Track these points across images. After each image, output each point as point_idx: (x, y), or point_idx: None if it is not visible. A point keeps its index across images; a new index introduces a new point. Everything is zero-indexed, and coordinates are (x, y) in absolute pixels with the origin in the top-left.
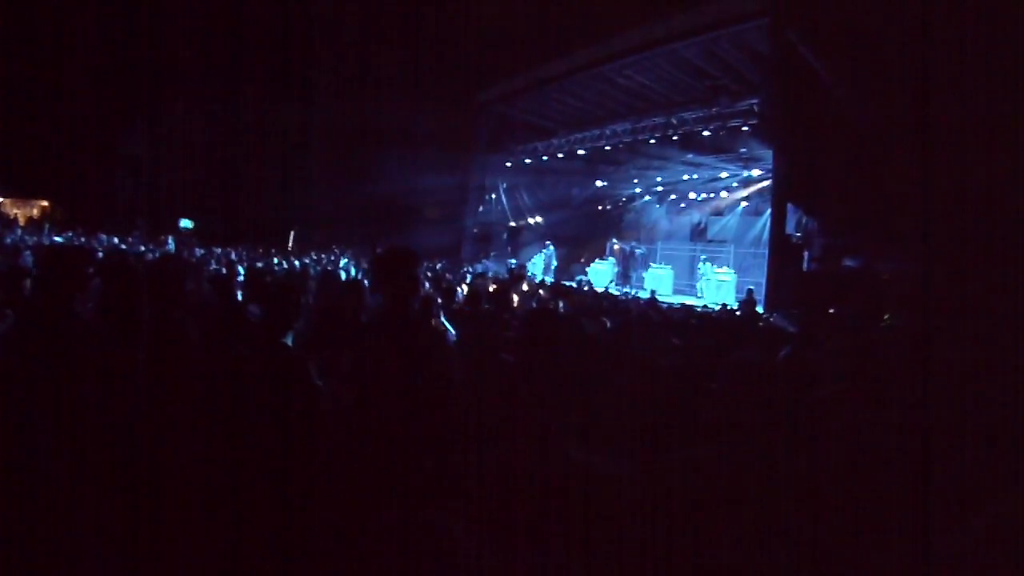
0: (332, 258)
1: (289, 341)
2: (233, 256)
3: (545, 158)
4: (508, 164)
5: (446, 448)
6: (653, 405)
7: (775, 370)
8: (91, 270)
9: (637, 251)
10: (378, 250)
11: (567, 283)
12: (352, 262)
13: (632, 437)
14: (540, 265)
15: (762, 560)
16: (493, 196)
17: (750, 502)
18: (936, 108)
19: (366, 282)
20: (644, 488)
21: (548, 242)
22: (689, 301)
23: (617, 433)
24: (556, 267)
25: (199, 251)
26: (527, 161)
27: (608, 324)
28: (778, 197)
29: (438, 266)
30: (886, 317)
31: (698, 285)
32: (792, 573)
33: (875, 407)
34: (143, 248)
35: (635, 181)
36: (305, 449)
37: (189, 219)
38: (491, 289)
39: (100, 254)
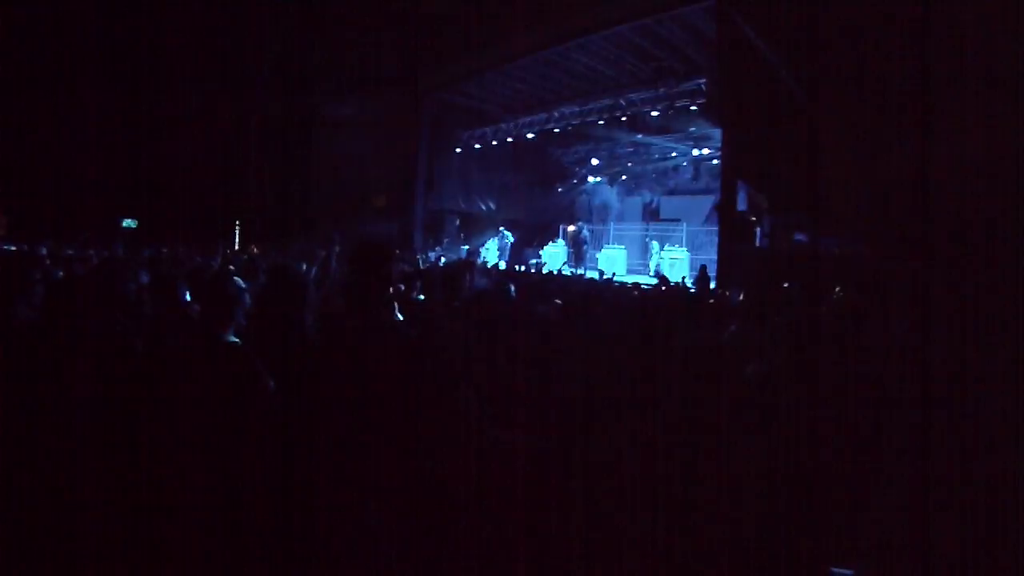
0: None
1: (231, 337)
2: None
3: (494, 143)
4: (457, 150)
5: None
6: (594, 383)
7: (719, 348)
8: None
9: (584, 232)
10: (336, 248)
11: (520, 267)
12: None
13: (570, 416)
14: (494, 251)
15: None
16: (443, 184)
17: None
18: (877, 87)
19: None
20: (563, 466)
21: (501, 228)
22: (643, 280)
23: (554, 413)
24: (510, 252)
25: (146, 252)
26: (476, 146)
27: (559, 304)
28: (727, 175)
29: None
30: (837, 290)
31: (649, 263)
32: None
33: (820, 380)
34: (91, 252)
35: (585, 163)
36: (245, 442)
37: (132, 219)
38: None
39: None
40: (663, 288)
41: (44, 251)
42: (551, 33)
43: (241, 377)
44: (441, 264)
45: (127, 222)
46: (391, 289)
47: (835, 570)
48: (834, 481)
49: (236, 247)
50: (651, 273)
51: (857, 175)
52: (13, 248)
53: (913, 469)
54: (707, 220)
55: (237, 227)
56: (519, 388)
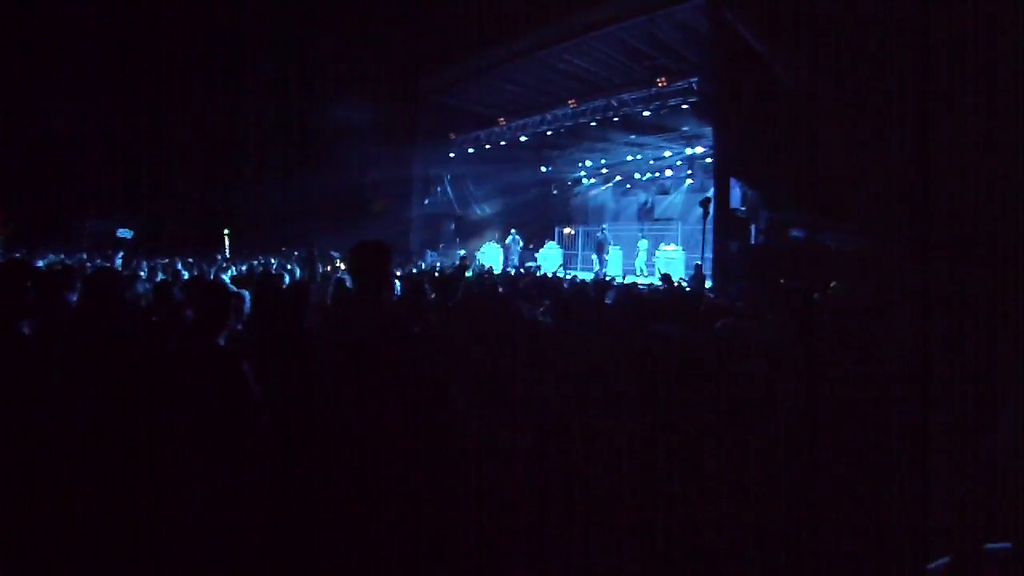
0: (275, 261)
1: (222, 342)
2: (179, 266)
3: (488, 146)
4: (452, 154)
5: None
6: (584, 382)
7: (697, 342)
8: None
9: (605, 235)
10: (315, 250)
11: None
12: (295, 264)
13: (558, 414)
14: (492, 254)
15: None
16: (439, 187)
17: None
18: (875, 83)
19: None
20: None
21: (512, 230)
22: (642, 280)
23: (545, 410)
24: (517, 258)
25: (145, 263)
26: (471, 150)
27: (548, 305)
28: (721, 173)
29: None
30: (832, 284)
31: (635, 263)
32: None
33: (819, 374)
34: (88, 263)
35: (579, 165)
36: (233, 444)
37: (128, 228)
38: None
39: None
40: (665, 287)
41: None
42: (546, 35)
43: (228, 380)
44: (437, 268)
45: (123, 231)
46: (391, 288)
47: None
48: (832, 473)
49: (227, 255)
50: (637, 272)
51: (855, 170)
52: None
53: (910, 463)
54: (701, 219)
55: (226, 236)
56: (509, 387)
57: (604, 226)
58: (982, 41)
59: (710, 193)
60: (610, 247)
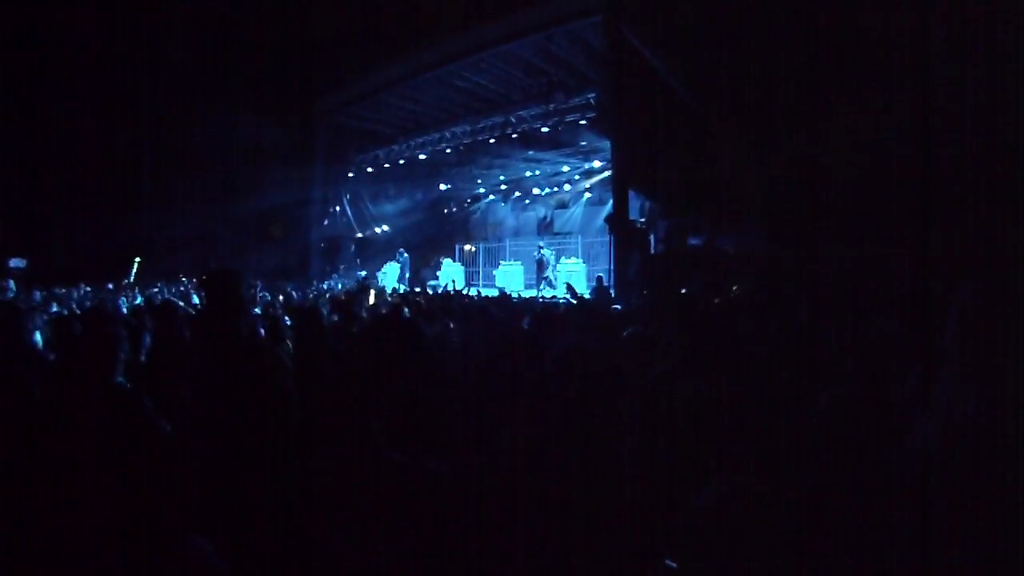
0: (179, 288)
1: (120, 379)
2: (75, 296)
3: (387, 165)
4: (350, 174)
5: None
6: (484, 400)
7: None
8: None
9: (543, 254)
10: (203, 276)
11: (417, 288)
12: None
13: (462, 435)
14: (393, 274)
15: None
16: (337, 208)
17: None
18: (760, 93)
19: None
20: (463, 486)
21: (401, 249)
22: (544, 294)
23: (446, 431)
24: (409, 275)
25: (38, 294)
26: (369, 169)
27: (451, 325)
28: (619, 185)
29: (289, 288)
30: (734, 288)
31: (547, 274)
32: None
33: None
34: None
35: (479, 181)
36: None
37: (20, 257)
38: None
39: None
40: (572, 299)
41: None
42: (441, 53)
43: (131, 421)
44: (337, 291)
45: (15, 262)
46: (240, 313)
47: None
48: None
49: (131, 281)
50: (541, 286)
51: (749, 174)
52: None
53: (808, 453)
54: (601, 231)
55: (136, 263)
56: (419, 407)
57: (540, 244)
58: (868, 40)
59: (609, 207)
60: (550, 265)
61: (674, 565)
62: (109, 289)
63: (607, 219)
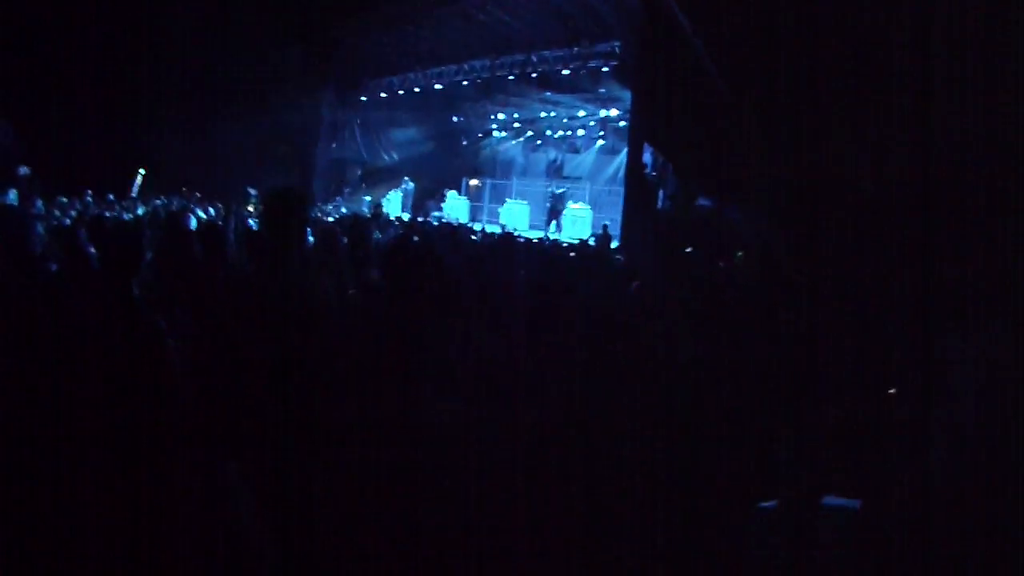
0: (180, 202)
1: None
2: (78, 206)
3: (401, 92)
4: (363, 99)
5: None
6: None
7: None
8: None
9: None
10: (268, 195)
11: (421, 219)
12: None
13: (489, 380)
14: (397, 202)
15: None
16: (347, 133)
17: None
18: (784, 70)
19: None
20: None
21: (406, 178)
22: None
23: (474, 376)
24: (412, 204)
25: (40, 203)
26: (382, 95)
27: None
28: (635, 137)
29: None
30: (738, 254)
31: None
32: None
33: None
34: None
35: (492, 117)
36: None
37: (26, 166)
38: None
39: None
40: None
41: None
42: None
43: (147, 337)
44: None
45: (22, 169)
46: (303, 241)
47: (762, 505)
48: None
49: (134, 195)
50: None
51: (761, 156)
52: None
53: (805, 419)
54: (611, 180)
55: (140, 175)
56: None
57: (548, 185)
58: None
59: (623, 155)
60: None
61: None
62: (111, 200)
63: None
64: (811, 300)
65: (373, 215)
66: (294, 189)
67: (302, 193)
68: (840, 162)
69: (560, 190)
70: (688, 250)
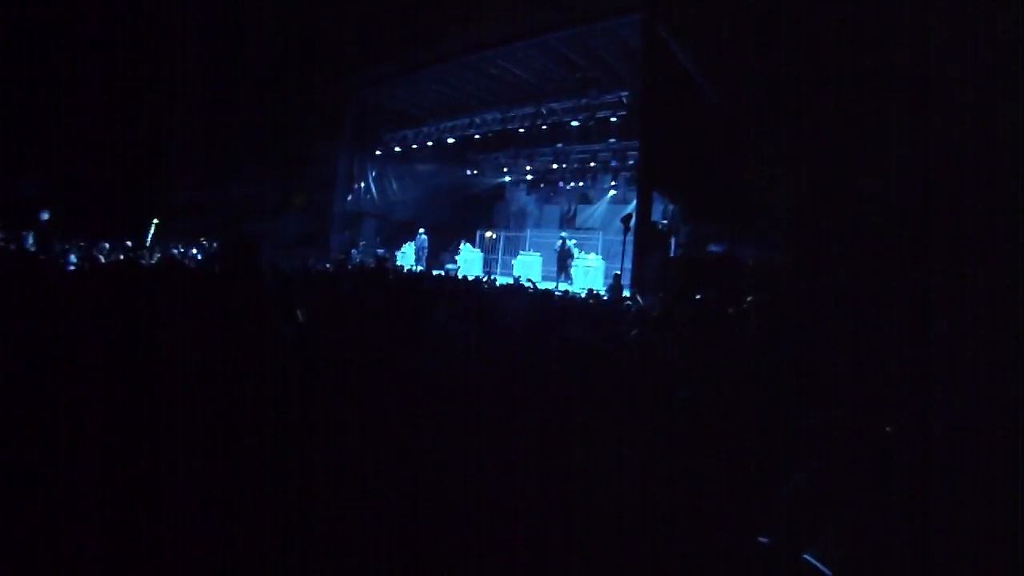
0: (195, 251)
1: None
2: (95, 252)
3: (415, 146)
4: (378, 152)
5: None
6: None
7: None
8: None
9: (568, 245)
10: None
11: (436, 271)
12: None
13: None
14: (411, 255)
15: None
16: (362, 184)
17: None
18: (794, 105)
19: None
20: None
21: (420, 229)
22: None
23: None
24: (427, 256)
25: (58, 247)
26: (397, 149)
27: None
28: (644, 185)
29: (309, 262)
30: (748, 299)
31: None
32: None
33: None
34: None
35: (504, 169)
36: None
37: (47, 211)
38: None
39: None
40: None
41: None
42: (480, 38)
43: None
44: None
45: (45, 214)
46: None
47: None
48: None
49: (148, 244)
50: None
51: (776, 187)
52: None
53: (809, 470)
54: (622, 230)
55: (155, 224)
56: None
57: (564, 235)
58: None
59: (632, 206)
60: (573, 261)
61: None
62: (128, 247)
63: (622, 219)
64: (813, 322)
65: (379, 265)
66: (245, 235)
67: (253, 238)
68: (841, 182)
69: (572, 241)
70: (698, 297)
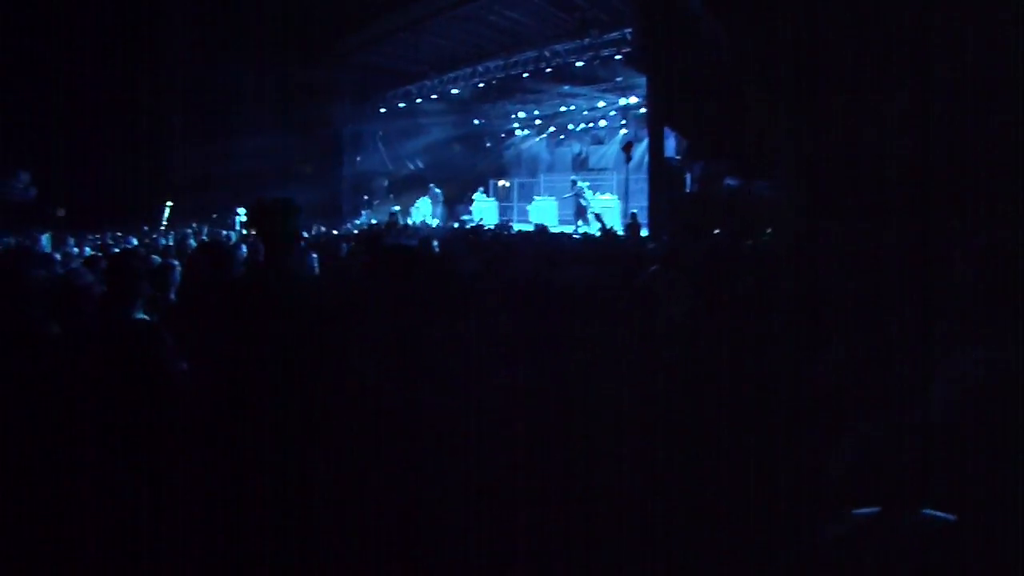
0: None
1: (140, 314)
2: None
3: (419, 101)
4: (383, 110)
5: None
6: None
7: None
8: None
9: (581, 191)
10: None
11: (454, 223)
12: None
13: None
14: (426, 209)
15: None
16: (371, 145)
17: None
18: (802, 41)
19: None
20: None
21: (433, 184)
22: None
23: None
24: (442, 209)
25: (72, 241)
26: (401, 105)
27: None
28: (654, 123)
29: (322, 229)
30: (767, 231)
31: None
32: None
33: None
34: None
35: (512, 116)
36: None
37: (63, 208)
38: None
39: None
40: (602, 231)
41: None
42: None
43: (145, 352)
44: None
45: (61, 211)
46: (294, 245)
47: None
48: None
49: (163, 226)
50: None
51: (779, 133)
52: None
53: (819, 403)
54: (636, 168)
55: (167, 207)
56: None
57: (574, 178)
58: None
59: (645, 143)
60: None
61: None
62: (145, 231)
63: (624, 147)
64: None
65: (388, 224)
66: (279, 200)
67: (287, 203)
68: (841, 131)
69: (583, 183)
70: (716, 231)
